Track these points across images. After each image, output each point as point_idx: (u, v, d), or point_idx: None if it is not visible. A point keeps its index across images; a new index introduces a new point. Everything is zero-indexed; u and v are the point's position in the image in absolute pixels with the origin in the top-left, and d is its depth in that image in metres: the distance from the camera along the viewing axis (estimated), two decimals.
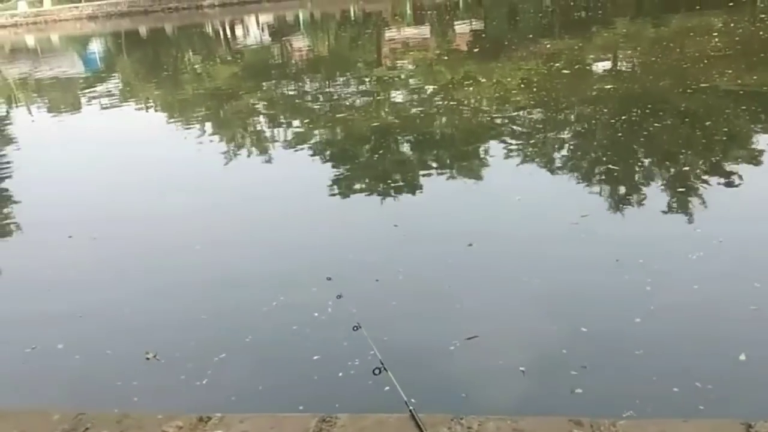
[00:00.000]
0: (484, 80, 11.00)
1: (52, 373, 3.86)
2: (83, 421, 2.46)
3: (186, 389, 3.54)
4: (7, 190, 8.00)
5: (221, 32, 28.54)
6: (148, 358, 3.82)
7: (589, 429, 2.21)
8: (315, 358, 3.69)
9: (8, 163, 9.18)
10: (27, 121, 12.52)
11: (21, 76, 18.84)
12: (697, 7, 16.12)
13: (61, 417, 2.49)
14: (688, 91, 8.56)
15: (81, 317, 4.49)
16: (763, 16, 14.68)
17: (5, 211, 7.24)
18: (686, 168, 6.19)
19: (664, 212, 5.30)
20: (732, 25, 13.27)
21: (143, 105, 13.09)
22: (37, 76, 18.45)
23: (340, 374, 3.50)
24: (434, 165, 7.20)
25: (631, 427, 2.21)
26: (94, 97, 14.13)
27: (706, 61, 10.20)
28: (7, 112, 13.80)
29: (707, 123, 7.45)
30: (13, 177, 8.46)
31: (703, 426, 2.19)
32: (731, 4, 15.87)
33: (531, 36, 16.01)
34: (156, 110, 12.63)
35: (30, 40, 31.10)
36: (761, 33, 12.56)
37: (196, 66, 18.04)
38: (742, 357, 3.39)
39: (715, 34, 12.37)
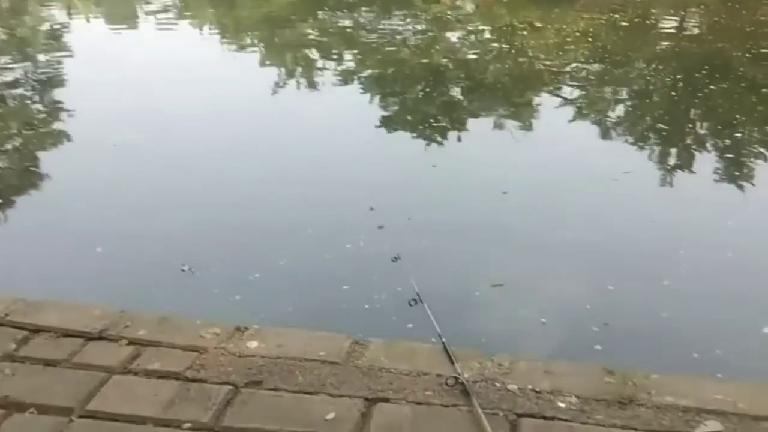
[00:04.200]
0: (543, 27, 10.71)
1: (88, 274, 4.00)
2: (124, 318, 2.56)
3: (218, 303, 3.65)
4: (57, 97, 8.17)
5: None
6: (183, 270, 3.95)
7: (621, 379, 2.22)
8: (346, 287, 3.77)
9: (62, 71, 9.34)
10: (84, 30, 12.66)
11: None
12: None
13: (102, 313, 2.60)
14: (748, 55, 8.23)
15: (121, 225, 4.62)
16: None
17: (55, 118, 7.41)
18: (737, 134, 6.02)
19: (708, 177, 5.20)
20: None
21: (197, 23, 13.12)
22: None
23: (369, 305, 3.58)
24: (480, 109, 7.13)
25: (663, 381, 2.21)
26: (150, 12, 14.19)
27: None
28: (66, 20, 13.96)
29: (765, 90, 7.19)
30: (66, 85, 8.63)
31: (738, 388, 2.18)
32: None
33: None
34: (210, 30, 12.65)
35: None
36: None
37: None
38: (767, 330, 3.37)
39: None
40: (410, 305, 2.79)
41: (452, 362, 2.29)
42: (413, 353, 2.39)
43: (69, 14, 14.44)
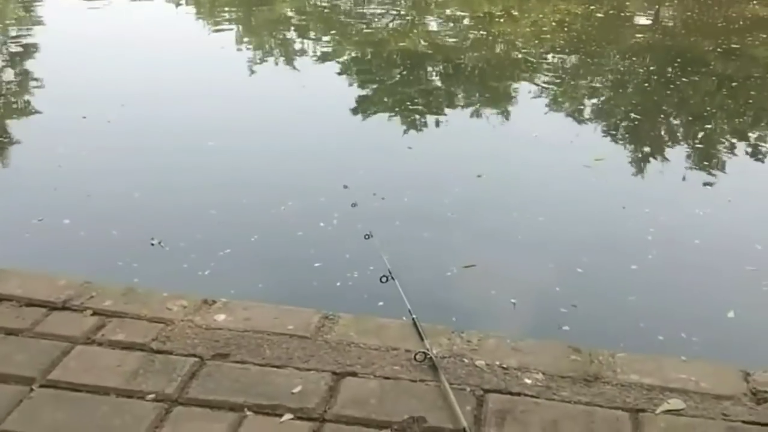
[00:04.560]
0: (521, 16, 10.74)
1: (56, 245, 3.96)
2: (89, 289, 2.51)
3: (187, 277, 3.64)
4: (29, 67, 8.01)
5: None
6: (152, 244, 3.91)
7: (587, 357, 2.23)
8: (318, 264, 3.76)
9: (34, 41, 9.15)
10: (55, 2, 12.37)
11: None
12: None
13: (67, 283, 2.55)
14: (719, 50, 8.38)
15: (89, 196, 4.57)
16: None
17: (25, 87, 7.26)
18: (707, 126, 6.12)
19: (678, 166, 5.29)
20: None
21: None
22: None
23: (341, 282, 3.58)
24: (457, 94, 7.15)
25: (628, 360, 2.23)
26: None
27: (743, 24, 9.94)
28: None
29: (734, 84, 7.32)
30: (36, 58, 8.46)
31: (701, 368, 2.20)
32: None
33: None
34: (185, 6, 12.44)
35: None
36: None
37: None
38: (731, 314, 3.43)
39: None
40: (382, 282, 2.78)
41: (421, 338, 2.29)
42: (383, 329, 2.38)
43: None
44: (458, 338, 2.32)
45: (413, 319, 2.41)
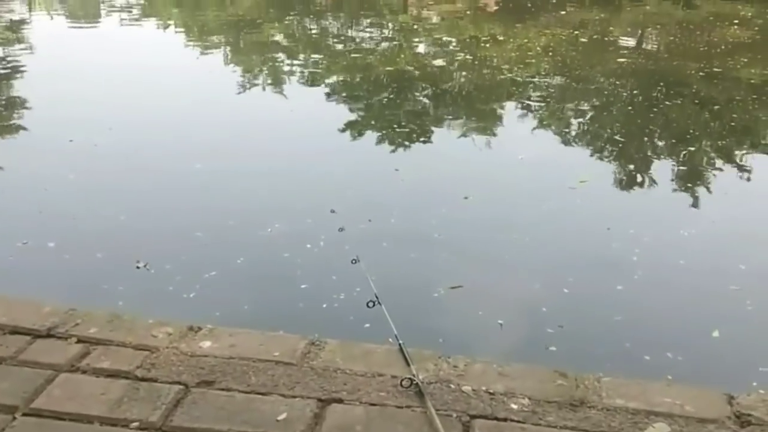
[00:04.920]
0: (507, 41, 10.87)
1: (41, 268, 3.94)
2: (74, 316, 2.50)
3: (172, 300, 3.62)
4: (16, 90, 8.00)
5: None
6: (138, 267, 3.89)
7: (573, 381, 2.25)
8: (305, 286, 3.75)
9: (22, 65, 9.14)
10: (46, 27, 12.40)
11: None
12: None
13: (52, 309, 2.54)
14: (701, 74, 8.52)
15: (74, 219, 4.56)
16: None
17: (12, 110, 7.25)
18: (690, 148, 6.19)
19: (662, 188, 5.35)
20: (756, 17, 13.07)
21: (162, 23, 12.97)
22: None
23: (327, 304, 3.57)
24: (444, 117, 7.20)
25: (614, 384, 2.25)
26: (113, 10, 13.98)
27: (724, 48, 10.12)
28: (28, 15, 13.66)
29: (716, 107, 7.44)
30: (24, 78, 8.46)
31: (685, 392, 2.22)
32: None
33: (561, 3, 15.71)
34: (175, 30, 12.51)
35: None
36: None
37: None
38: (716, 334, 3.46)
39: (737, 21, 12.23)
40: (368, 307, 2.79)
41: (408, 363, 2.29)
42: (369, 354, 2.37)
43: (29, 10, 14.15)
44: (445, 363, 2.32)
45: (400, 344, 2.41)
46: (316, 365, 2.27)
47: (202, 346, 2.35)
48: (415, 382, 2.16)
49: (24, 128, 6.60)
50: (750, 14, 13.23)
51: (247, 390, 2.13)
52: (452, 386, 2.18)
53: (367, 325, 3.19)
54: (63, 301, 2.85)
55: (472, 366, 2.31)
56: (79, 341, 2.35)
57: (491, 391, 2.17)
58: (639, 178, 5.61)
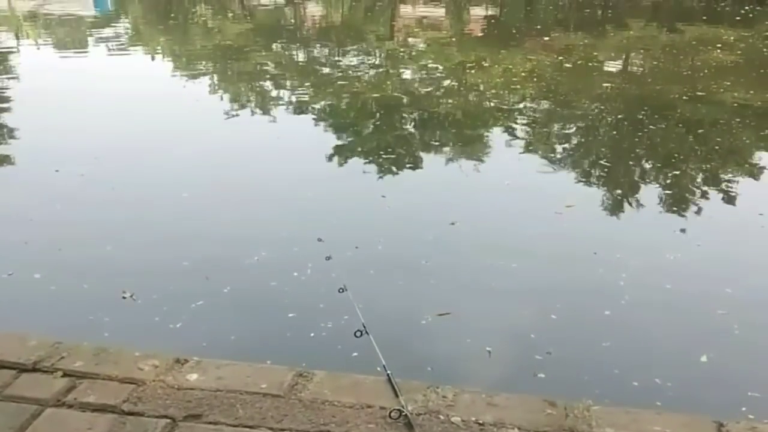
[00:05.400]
0: (493, 67, 10.99)
1: (26, 300, 3.92)
2: (60, 349, 2.50)
3: (158, 331, 3.60)
4: (2, 119, 7.97)
5: None
6: (124, 297, 3.87)
7: (563, 411, 2.25)
8: (291, 315, 3.74)
9: (8, 95, 9.14)
10: (33, 56, 12.41)
11: (30, 11, 18.63)
12: (704, 18, 16.20)
13: (38, 343, 2.53)
14: (684, 97, 8.66)
15: (60, 250, 4.54)
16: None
17: None
18: (675, 171, 6.25)
19: (648, 212, 5.39)
20: (738, 41, 13.33)
21: (150, 52, 13.02)
22: (47, 12, 18.25)
23: (315, 333, 3.56)
24: (431, 143, 7.24)
25: (603, 413, 2.26)
26: (101, 39, 14.04)
27: (707, 72, 10.30)
28: (15, 45, 13.68)
29: (701, 131, 7.54)
30: (11, 107, 8.44)
31: (675, 420, 2.23)
32: (737, 18, 15.97)
33: (545, 28, 15.94)
34: (162, 59, 12.56)
35: None
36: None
37: (207, 19, 17.89)
38: (704, 359, 3.47)
39: (719, 45, 12.45)
40: (356, 337, 2.79)
41: (396, 395, 2.29)
42: (357, 385, 2.37)
43: (17, 39, 14.18)
44: (433, 393, 2.32)
45: (388, 374, 2.41)
46: (304, 397, 2.26)
47: (189, 378, 2.33)
48: (404, 414, 2.16)
49: (10, 158, 6.57)
50: (732, 38, 13.47)
51: (234, 423, 2.12)
52: (441, 417, 2.18)
53: (356, 354, 3.20)
54: (50, 333, 2.84)
55: (461, 396, 2.31)
56: (65, 375, 2.34)
57: (481, 421, 2.17)
58: (625, 203, 5.65)
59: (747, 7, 17.46)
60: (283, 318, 3.73)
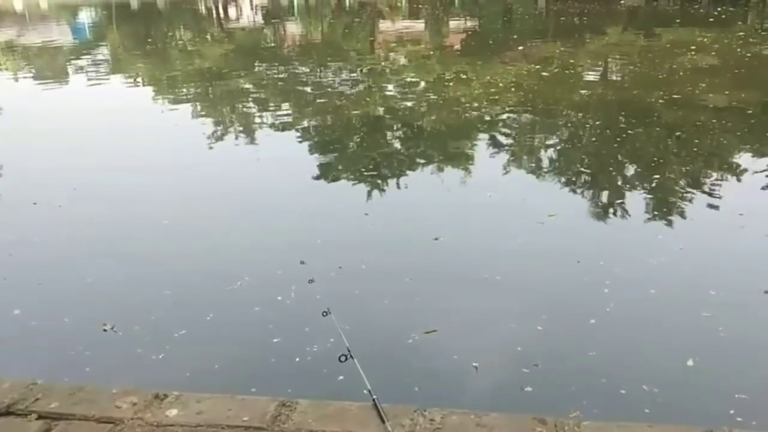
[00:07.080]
0: (474, 79, 11.04)
1: (5, 336, 3.86)
2: (34, 391, 2.44)
3: (141, 363, 3.54)
4: None
5: (214, 11, 28.30)
6: (105, 330, 3.82)
7: (553, 428, 2.22)
8: (276, 340, 3.71)
9: None
10: (11, 88, 12.36)
11: (8, 41, 18.58)
12: (678, 21, 16.39)
13: (12, 385, 2.48)
14: (661, 101, 8.72)
15: (40, 284, 4.49)
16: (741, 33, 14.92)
17: None
18: (656, 176, 6.27)
19: (630, 218, 5.40)
20: (713, 43, 13.49)
21: (130, 78, 12.99)
22: (25, 42, 18.20)
23: (300, 358, 3.52)
24: (413, 159, 7.24)
25: (594, 428, 2.23)
26: (81, 67, 14.00)
27: (683, 74, 10.40)
28: None
29: (678, 134, 7.60)
30: None
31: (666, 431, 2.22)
32: (711, 20, 16.18)
33: (522, 38, 16.06)
34: (143, 85, 12.54)
35: (18, 5, 30.63)
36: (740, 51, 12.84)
37: (187, 43, 17.91)
38: (690, 363, 3.46)
39: (694, 48, 12.60)
40: (341, 361, 2.76)
41: (383, 420, 2.25)
42: (343, 413, 2.34)
43: None
44: (421, 417, 2.29)
45: (374, 399, 2.37)
46: (287, 428, 2.23)
47: (169, 414, 2.29)
48: None
49: None
50: (707, 40, 13.64)
51: None
52: None
53: (341, 377, 3.17)
54: (31, 369, 2.80)
55: (449, 418, 2.28)
56: (39, 417, 2.29)
57: None
58: (606, 209, 5.67)
59: (719, 9, 17.71)
60: (267, 344, 3.69)
